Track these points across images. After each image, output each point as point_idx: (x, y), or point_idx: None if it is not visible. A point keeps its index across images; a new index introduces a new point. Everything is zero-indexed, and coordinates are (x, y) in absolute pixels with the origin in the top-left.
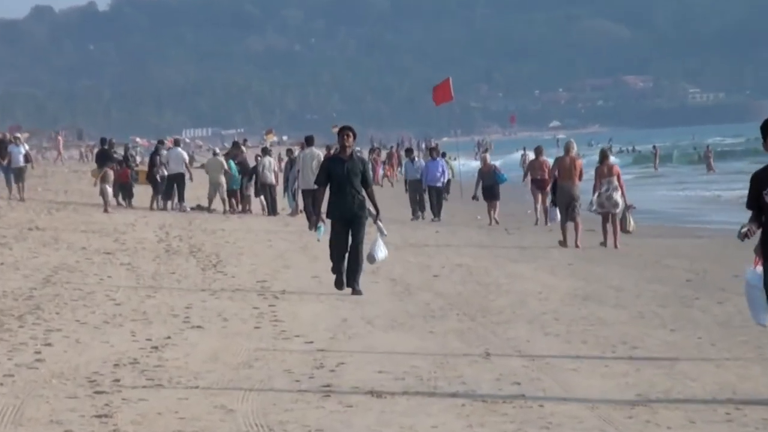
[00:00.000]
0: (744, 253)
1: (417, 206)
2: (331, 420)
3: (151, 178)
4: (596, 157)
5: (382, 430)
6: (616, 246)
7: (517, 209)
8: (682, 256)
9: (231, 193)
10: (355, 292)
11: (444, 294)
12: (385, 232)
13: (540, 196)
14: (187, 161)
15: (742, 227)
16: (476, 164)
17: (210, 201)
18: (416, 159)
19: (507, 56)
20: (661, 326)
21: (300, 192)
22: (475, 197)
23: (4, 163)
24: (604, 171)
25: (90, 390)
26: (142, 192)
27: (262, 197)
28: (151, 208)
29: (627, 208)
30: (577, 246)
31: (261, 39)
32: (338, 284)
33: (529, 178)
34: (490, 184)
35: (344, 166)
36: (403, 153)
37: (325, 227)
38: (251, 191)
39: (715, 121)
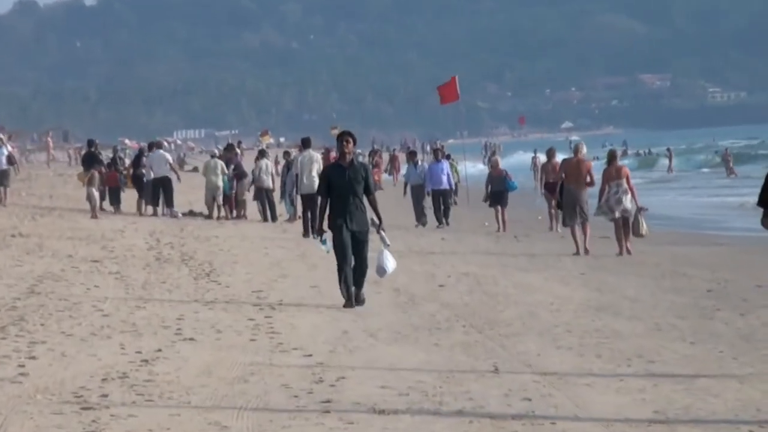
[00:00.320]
0: None
1: (421, 212)
2: None
3: (134, 180)
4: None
5: None
6: (628, 251)
7: (526, 215)
8: (702, 265)
9: (224, 199)
10: (359, 300)
11: (450, 305)
12: (389, 242)
13: (553, 201)
14: (172, 162)
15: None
16: (483, 167)
17: (209, 207)
18: (420, 163)
19: (516, 53)
20: (680, 339)
21: (298, 197)
22: (487, 199)
23: None
24: (612, 173)
25: (77, 406)
26: (131, 197)
27: (259, 202)
28: (140, 213)
29: (639, 210)
30: (586, 252)
31: (257, 35)
32: (349, 302)
33: (541, 182)
34: (499, 190)
35: (345, 173)
36: (403, 156)
37: (329, 238)
38: (246, 196)
39: (737, 122)
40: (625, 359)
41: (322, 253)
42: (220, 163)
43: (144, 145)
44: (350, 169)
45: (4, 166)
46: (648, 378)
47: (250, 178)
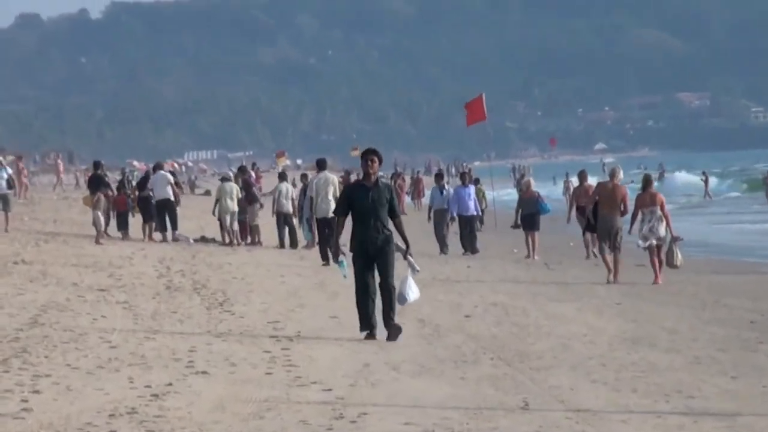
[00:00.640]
0: None
1: (444, 240)
2: None
3: (140, 203)
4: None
5: None
6: (657, 280)
7: (558, 241)
8: (744, 295)
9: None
10: (392, 330)
11: (477, 336)
12: (418, 269)
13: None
14: (173, 183)
15: None
16: (512, 191)
17: (228, 233)
18: (446, 187)
19: (546, 70)
20: (721, 373)
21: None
22: (516, 225)
23: None
24: (646, 200)
25: None
26: (139, 221)
27: (278, 228)
28: (150, 238)
29: (673, 240)
30: (615, 281)
31: (271, 50)
32: (366, 327)
33: (574, 207)
34: (530, 213)
35: (368, 194)
36: (427, 179)
37: (347, 262)
38: (258, 221)
39: None
40: (663, 394)
41: (341, 280)
42: (235, 187)
43: (151, 167)
44: (374, 189)
45: (4, 190)
46: (687, 415)
47: (261, 202)
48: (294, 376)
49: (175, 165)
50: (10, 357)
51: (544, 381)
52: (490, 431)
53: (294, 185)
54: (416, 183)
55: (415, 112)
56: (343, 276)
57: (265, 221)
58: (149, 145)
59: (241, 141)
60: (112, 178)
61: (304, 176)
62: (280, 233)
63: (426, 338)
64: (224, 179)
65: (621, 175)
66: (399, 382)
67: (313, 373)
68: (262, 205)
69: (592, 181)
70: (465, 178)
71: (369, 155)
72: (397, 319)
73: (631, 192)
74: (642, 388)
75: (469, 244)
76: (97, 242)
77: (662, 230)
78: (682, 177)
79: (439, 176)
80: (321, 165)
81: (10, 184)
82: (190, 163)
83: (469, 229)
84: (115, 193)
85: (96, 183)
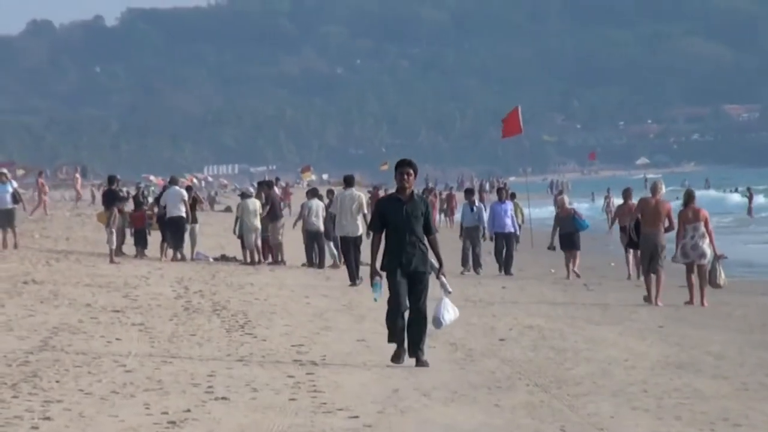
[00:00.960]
0: None
1: (468, 258)
2: None
3: (159, 220)
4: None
5: None
6: (702, 303)
7: (598, 261)
8: None
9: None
10: (420, 363)
11: (512, 361)
12: (450, 290)
13: (625, 240)
14: (186, 200)
15: None
16: (550, 208)
17: (251, 252)
18: (477, 203)
19: (586, 80)
20: None
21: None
22: (551, 247)
23: None
24: (688, 216)
25: None
26: (157, 239)
27: (307, 247)
28: (169, 258)
29: (716, 258)
30: (657, 303)
31: (296, 60)
32: (397, 357)
33: (616, 225)
34: (568, 232)
35: (403, 208)
36: (460, 195)
37: (382, 284)
38: (281, 239)
39: None
40: (709, 422)
41: (370, 302)
42: (257, 203)
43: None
44: (409, 203)
45: (9, 206)
46: None
47: (283, 220)
48: (319, 403)
49: (194, 180)
50: (20, 381)
51: (582, 408)
52: None
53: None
54: (449, 199)
55: (447, 125)
56: (374, 299)
57: (288, 238)
58: (167, 159)
59: (263, 155)
60: (128, 193)
61: (330, 192)
62: (309, 252)
63: (458, 363)
64: (244, 195)
65: (663, 189)
66: (430, 409)
67: (339, 399)
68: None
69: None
70: (502, 193)
71: (404, 167)
72: (426, 349)
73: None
74: (686, 415)
75: (504, 264)
76: (112, 261)
77: (705, 247)
78: (710, 194)
79: (468, 192)
80: (348, 182)
81: (15, 198)
82: (210, 178)
83: (506, 247)
84: (132, 209)
85: (110, 199)
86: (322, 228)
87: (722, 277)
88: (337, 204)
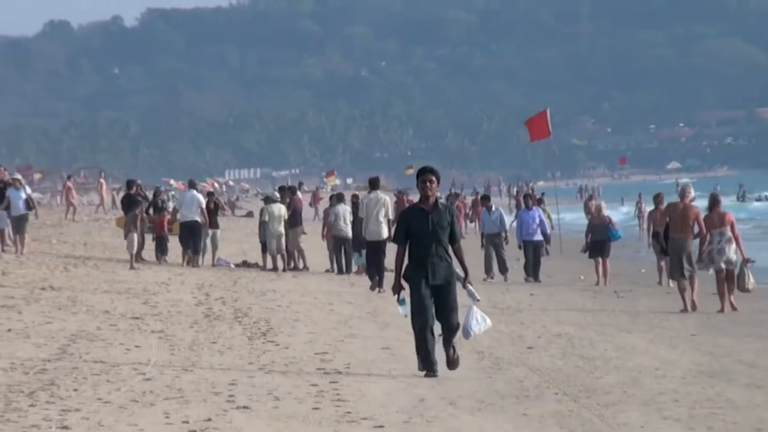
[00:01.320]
0: None
1: (492, 265)
2: None
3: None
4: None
5: None
6: (733, 307)
7: (629, 267)
8: None
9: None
10: (451, 361)
11: (540, 369)
12: (478, 298)
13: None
14: (203, 206)
15: None
16: (576, 215)
17: (273, 258)
18: (494, 208)
19: (617, 83)
20: None
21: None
22: (586, 250)
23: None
24: (714, 220)
25: None
26: (177, 245)
27: (334, 253)
28: (191, 264)
29: (744, 262)
30: (694, 308)
31: (321, 62)
32: (426, 366)
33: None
34: (600, 239)
35: (428, 218)
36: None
37: (406, 298)
38: (301, 245)
39: None
40: None
41: (396, 309)
42: (283, 208)
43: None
44: (434, 213)
45: (22, 212)
46: None
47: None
48: (343, 412)
49: (215, 184)
50: (37, 390)
51: (612, 418)
52: None
53: None
54: (475, 205)
55: (474, 129)
56: (404, 315)
57: (311, 245)
58: (187, 162)
59: (286, 159)
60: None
61: (355, 196)
62: (337, 258)
63: (485, 371)
64: (268, 199)
65: (692, 194)
66: (456, 419)
67: (363, 408)
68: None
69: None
70: (528, 200)
71: (426, 175)
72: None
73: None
74: (718, 426)
75: (532, 271)
76: (132, 267)
77: (732, 253)
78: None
79: (485, 198)
80: (373, 184)
81: (29, 204)
82: (231, 182)
83: (533, 255)
84: (150, 214)
85: (129, 204)
86: (350, 234)
87: (751, 281)
88: (363, 208)
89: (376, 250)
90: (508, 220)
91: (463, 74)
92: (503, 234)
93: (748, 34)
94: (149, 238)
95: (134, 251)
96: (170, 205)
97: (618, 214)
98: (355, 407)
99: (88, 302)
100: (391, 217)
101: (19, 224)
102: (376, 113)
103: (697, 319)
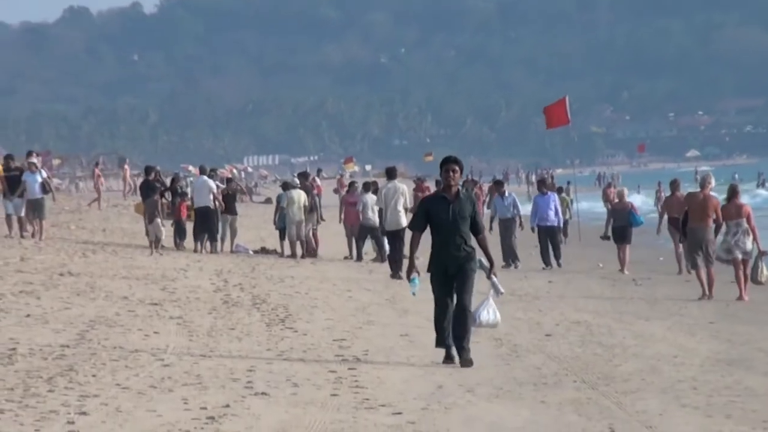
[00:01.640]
0: None
1: (509, 251)
2: None
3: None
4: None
5: None
6: (743, 297)
7: (647, 255)
8: None
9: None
10: (465, 362)
11: (558, 357)
12: (502, 291)
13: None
14: (215, 191)
15: None
16: (594, 203)
17: (292, 244)
18: (507, 193)
19: (636, 71)
20: None
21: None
22: (606, 236)
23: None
24: (731, 211)
25: None
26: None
27: (361, 241)
28: (207, 250)
29: (760, 254)
30: (709, 297)
31: (340, 48)
32: (448, 359)
33: (666, 218)
34: (622, 225)
35: (449, 208)
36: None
37: (420, 280)
38: (317, 231)
39: None
40: (761, 421)
41: (413, 297)
42: (303, 195)
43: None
44: (456, 202)
45: (38, 195)
46: None
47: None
48: (361, 399)
49: (234, 171)
50: (56, 375)
51: (631, 406)
52: None
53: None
54: (490, 191)
55: (493, 116)
56: (412, 293)
57: (329, 232)
58: (206, 149)
59: (305, 145)
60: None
61: (374, 183)
62: (358, 246)
63: (503, 359)
64: (287, 185)
65: (713, 183)
66: (474, 406)
67: (381, 395)
68: (323, 218)
69: (685, 191)
70: (542, 186)
71: (449, 164)
72: (471, 346)
73: None
74: (737, 414)
75: (550, 257)
76: (152, 253)
77: (748, 244)
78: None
79: (498, 183)
80: (390, 174)
81: (45, 188)
82: (249, 169)
83: (549, 241)
84: (168, 199)
85: (148, 190)
86: (377, 222)
87: (764, 274)
88: (381, 197)
89: (394, 239)
90: (526, 207)
91: (482, 62)
92: (517, 219)
93: (767, 22)
94: (168, 224)
95: (162, 236)
96: (189, 191)
97: (635, 201)
98: (373, 394)
99: (106, 288)
100: (409, 206)
101: (37, 208)
102: (395, 100)
103: (715, 307)
